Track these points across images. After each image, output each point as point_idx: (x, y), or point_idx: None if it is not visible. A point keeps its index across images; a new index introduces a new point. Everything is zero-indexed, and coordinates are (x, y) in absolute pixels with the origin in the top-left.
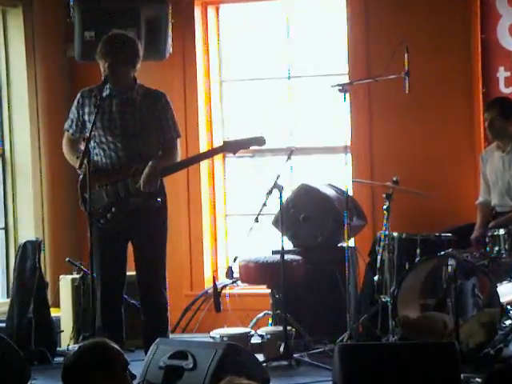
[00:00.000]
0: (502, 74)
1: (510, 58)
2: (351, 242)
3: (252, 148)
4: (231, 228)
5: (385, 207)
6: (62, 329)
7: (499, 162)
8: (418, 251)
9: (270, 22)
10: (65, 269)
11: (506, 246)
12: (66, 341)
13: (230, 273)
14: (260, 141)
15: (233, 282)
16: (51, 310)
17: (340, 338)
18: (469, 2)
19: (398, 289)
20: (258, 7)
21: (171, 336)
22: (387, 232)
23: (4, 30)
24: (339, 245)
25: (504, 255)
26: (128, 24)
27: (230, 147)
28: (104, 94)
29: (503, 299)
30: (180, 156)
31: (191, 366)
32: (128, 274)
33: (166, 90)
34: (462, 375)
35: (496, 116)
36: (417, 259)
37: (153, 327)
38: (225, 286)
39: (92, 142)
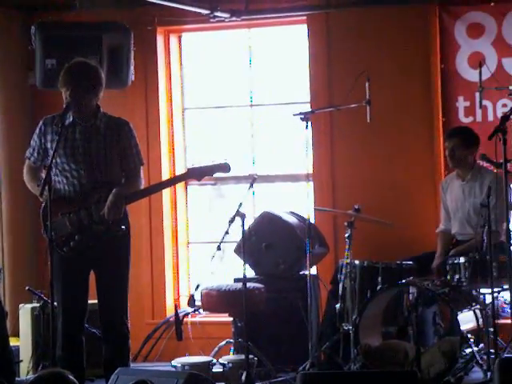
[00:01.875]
0: (461, 103)
1: (469, 88)
2: (313, 270)
3: (215, 175)
4: (193, 256)
5: (347, 235)
6: (21, 358)
7: (459, 190)
8: (380, 279)
9: (233, 50)
10: (25, 297)
11: (467, 275)
12: (25, 371)
13: (191, 301)
14: (225, 167)
15: (195, 311)
16: (10, 339)
17: (302, 367)
18: (428, 33)
19: (359, 317)
20: (220, 36)
21: (132, 365)
22: (349, 260)
23: None
24: (301, 273)
25: (464, 283)
26: (90, 52)
27: (195, 174)
28: (67, 122)
29: (463, 327)
30: (143, 184)
31: None
32: (89, 302)
33: (129, 118)
34: None
35: (457, 145)
36: (378, 287)
37: (114, 356)
38: (186, 315)
39: (54, 170)
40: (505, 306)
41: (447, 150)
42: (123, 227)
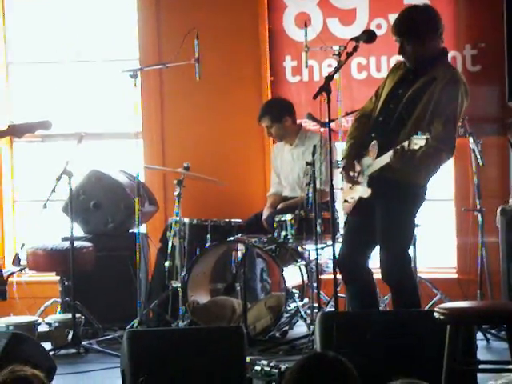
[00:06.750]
0: (288, 63)
1: (296, 48)
2: (143, 229)
3: (40, 132)
4: (20, 214)
5: (176, 193)
6: None
7: (289, 155)
8: (209, 237)
9: (59, 4)
10: None
11: (293, 231)
12: None
13: (16, 260)
14: (46, 125)
15: (20, 270)
16: None
17: (130, 325)
18: None
19: (188, 274)
20: None
21: None
22: (178, 218)
23: None
24: (130, 231)
25: (290, 240)
26: None
27: (15, 131)
28: None
29: (289, 283)
30: None
31: None
32: None
33: None
34: (249, 358)
35: (269, 124)
36: (207, 245)
37: None
38: (12, 274)
39: None
40: (328, 261)
41: (265, 130)
42: None
